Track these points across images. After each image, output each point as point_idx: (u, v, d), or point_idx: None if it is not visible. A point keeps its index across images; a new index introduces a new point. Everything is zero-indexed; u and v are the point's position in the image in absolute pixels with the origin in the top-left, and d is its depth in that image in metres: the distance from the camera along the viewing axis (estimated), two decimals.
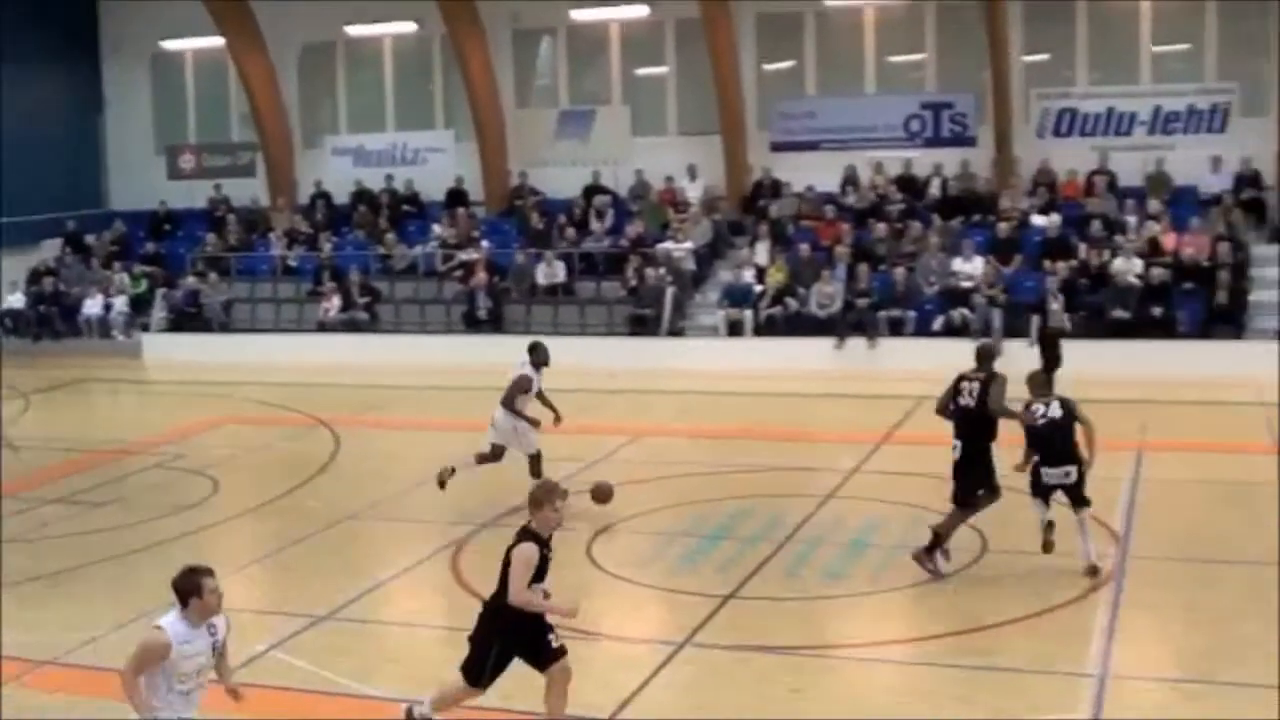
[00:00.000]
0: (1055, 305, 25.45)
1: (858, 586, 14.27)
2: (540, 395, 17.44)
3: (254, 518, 17.75)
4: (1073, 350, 24.44)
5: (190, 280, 33.77)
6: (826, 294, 28.25)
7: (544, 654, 10.02)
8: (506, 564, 9.86)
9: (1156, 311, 26.31)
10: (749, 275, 29.52)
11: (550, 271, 31.06)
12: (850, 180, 31.81)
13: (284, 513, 17.79)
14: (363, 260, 33.22)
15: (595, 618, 12.94)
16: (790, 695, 11.25)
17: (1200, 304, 26.65)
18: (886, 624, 13.47)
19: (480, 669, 9.99)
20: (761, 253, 30.08)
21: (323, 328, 31.73)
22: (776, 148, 32.70)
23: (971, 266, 28.04)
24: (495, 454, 17.56)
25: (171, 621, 8.41)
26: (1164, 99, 30.38)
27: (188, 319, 33.05)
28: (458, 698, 10.24)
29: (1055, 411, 14.13)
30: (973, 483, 14.40)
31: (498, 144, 34.73)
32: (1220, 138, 29.92)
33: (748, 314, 28.77)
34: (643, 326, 29.21)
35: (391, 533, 17.10)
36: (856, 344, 27.71)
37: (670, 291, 29.34)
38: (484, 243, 32.37)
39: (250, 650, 12.03)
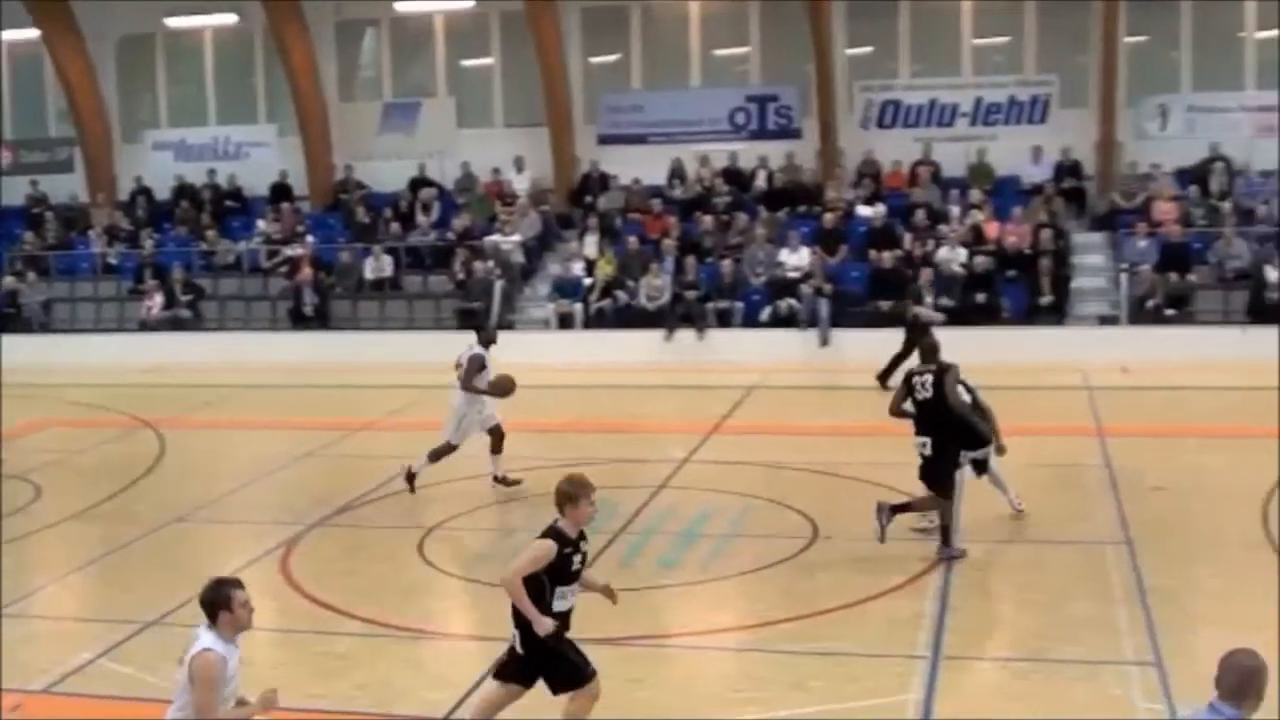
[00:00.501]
0: (929, 298, 25.63)
1: (691, 575, 14.21)
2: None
3: (79, 523, 17.17)
4: (900, 338, 24.81)
5: (8, 280, 32.77)
6: (655, 286, 28.26)
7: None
8: None
9: (981, 299, 26.71)
10: (578, 268, 29.45)
11: (377, 266, 30.68)
12: (677, 173, 31.87)
13: (110, 517, 17.25)
14: (185, 257, 32.54)
15: (430, 616, 12.74)
16: (627, 685, 11.12)
17: (1023, 291, 27.11)
18: (721, 612, 13.42)
19: (575, 667, 9.38)
20: (590, 245, 30.01)
21: (145, 326, 31.04)
22: (604, 140, 32.66)
23: (798, 257, 28.25)
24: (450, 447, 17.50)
25: (212, 641, 7.82)
26: (985, 91, 30.92)
27: (6, 319, 32.05)
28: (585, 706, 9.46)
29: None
30: (947, 470, 14.39)
31: (322, 137, 34.23)
32: (1041, 128, 30.52)
33: (577, 307, 28.70)
34: (471, 320, 28.90)
35: (220, 534, 16.68)
36: (685, 336, 27.76)
37: (499, 285, 29.14)
38: (309, 238, 31.89)
39: (77, 659, 11.65)
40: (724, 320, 27.89)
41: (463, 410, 17.57)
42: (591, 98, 32.98)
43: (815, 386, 24.50)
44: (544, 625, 9.13)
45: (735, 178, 31.46)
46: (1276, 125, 29.81)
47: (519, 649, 9.37)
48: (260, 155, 34.72)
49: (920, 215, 28.71)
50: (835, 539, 15.11)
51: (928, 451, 14.39)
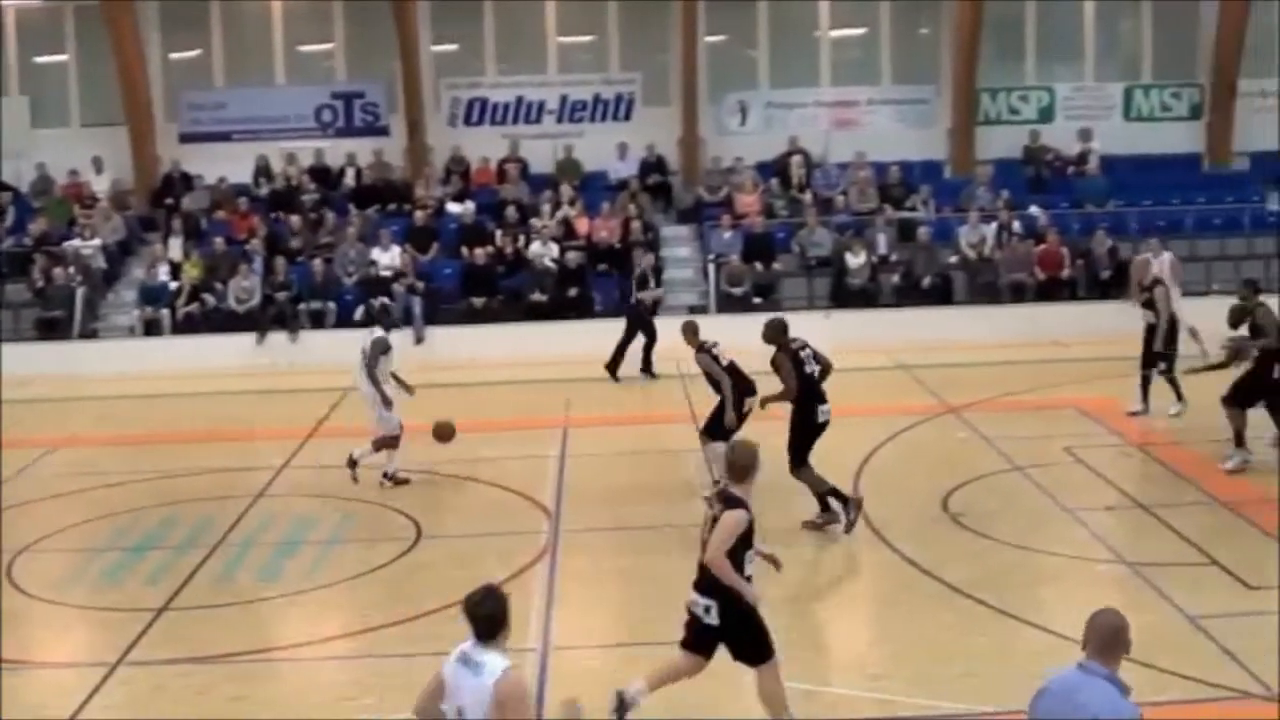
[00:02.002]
0: (653, 283, 25.67)
1: (294, 585, 13.88)
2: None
3: None
4: (496, 334, 25.05)
5: None
6: (244, 288, 27.54)
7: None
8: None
9: (573, 293, 27.02)
10: (163, 272, 28.40)
11: None
12: (263, 171, 31.13)
13: None
14: None
15: (20, 646, 12.09)
16: (231, 704, 10.80)
17: (615, 284, 27.55)
18: (326, 620, 13.15)
19: (766, 636, 9.66)
20: (175, 248, 29.01)
21: None
22: (186, 139, 31.64)
23: (389, 256, 27.97)
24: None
25: (505, 658, 7.10)
26: (571, 89, 31.32)
27: None
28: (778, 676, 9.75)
29: None
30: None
31: None
32: (626, 125, 31.12)
33: (164, 312, 27.68)
34: (52, 330, 27.63)
35: None
36: (277, 338, 27.16)
37: (80, 292, 27.85)
38: None
39: None
40: (317, 321, 27.40)
41: (374, 396, 17.23)
42: (172, 95, 31.88)
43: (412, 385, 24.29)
44: (751, 594, 9.48)
45: (323, 176, 30.94)
46: (851, 119, 31.25)
47: (712, 620, 9.58)
48: None
49: (511, 211, 28.85)
50: (439, 538, 15.03)
51: (827, 416, 14.83)
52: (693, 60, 30.24)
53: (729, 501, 9.50)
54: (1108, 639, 6.80)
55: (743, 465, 9.63)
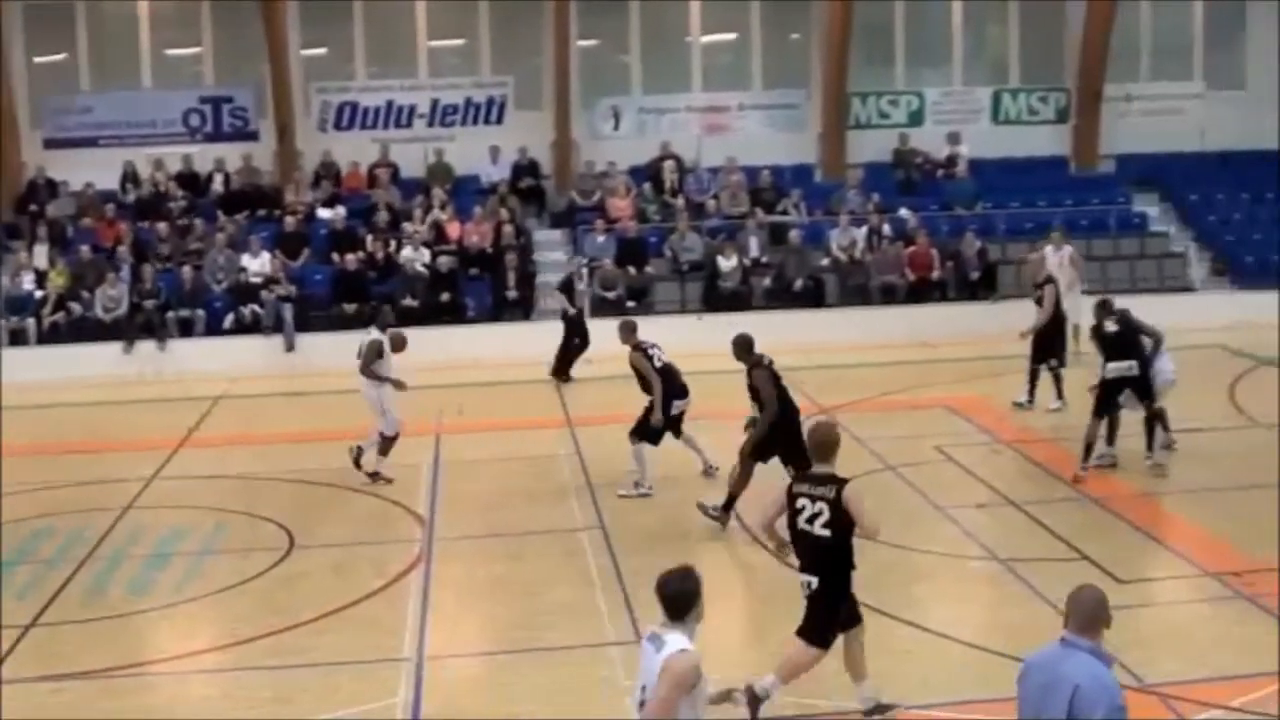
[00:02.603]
0: (580, 285, 25.56)
1: (166, 598, 13.66)
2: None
3: None
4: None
5: None
6: (111, 297, 27.06)
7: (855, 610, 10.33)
8: (840, 510, 9.91)
9: (446, 298, 26.88)
10: (28, 281, 27.80)
11: None
12: (130, 177, 30.57)
13: None
14: None
15: None
16: None
17: (487, 289, 27.45)
18: (198, 633, 12.96)
19: (830, 629, 10.15)
20: (40, 256, 28.39)
21: None
22: (51, 145, 30.99)
23: (259, 262, 27.63)
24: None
25: (688, 640, 7.18)
26: (442, 92, 31.12)
27: None
28: (806, 664, 10.18)
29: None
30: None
31: None
32: (498, 129, 30.98)
33: (30, 322, 27.10)
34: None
35: None
36: (146, 346, 26.69)
37: None
38: None
39: None
40: (186, 329, 26.96)
41: (376, 396, 17.51)
42: (37, 100, 31.20)
43: (283, 393, 24.05)
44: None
45: (191, 181, 30.46)
46: (722, 123, 31.42)
47: (814, 602, 10.15)
48: None
49: (382, 216, 28.63)
50: (312, 547, 14.87)
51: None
52: (565, 64, 30.22)
53: (840, 480, 10.06)
54: (1089, 613, 7.12)
55: (827, 444, 10.24)
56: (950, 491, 16.22)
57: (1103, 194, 31.25)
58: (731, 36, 32.33)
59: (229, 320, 26.99)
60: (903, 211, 29.37)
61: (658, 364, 16.60)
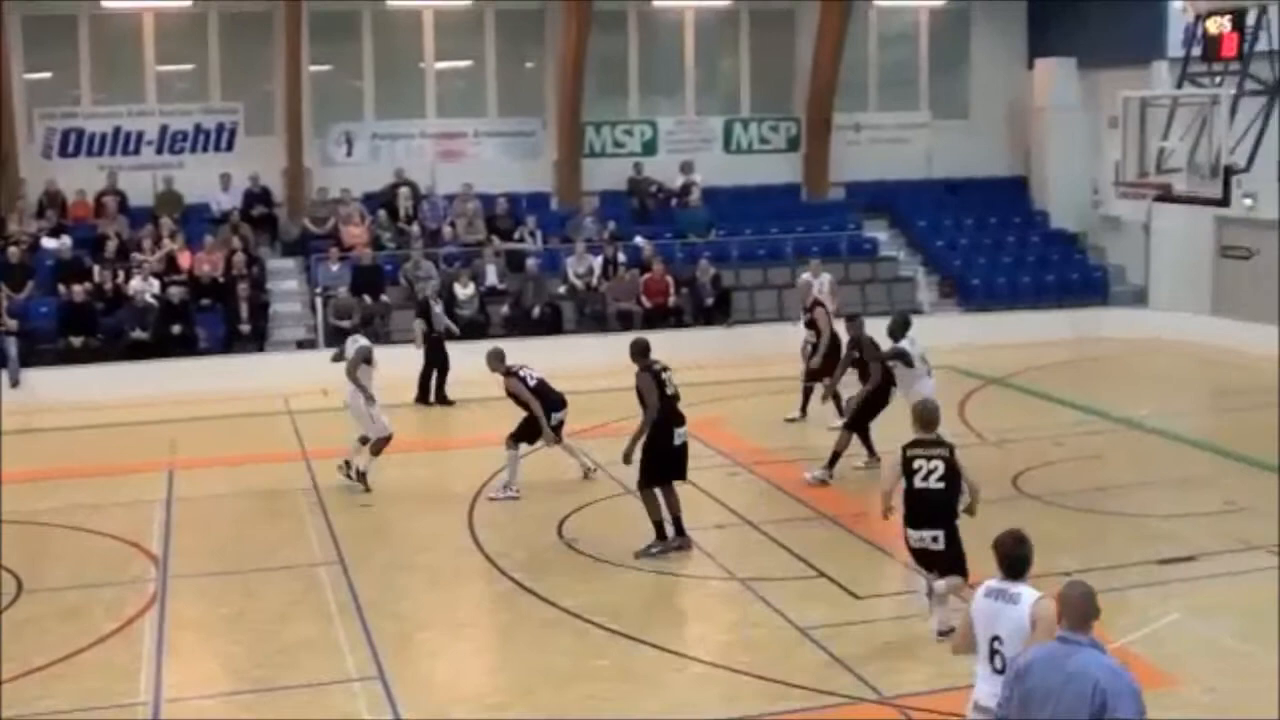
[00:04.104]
0: (437, 309, 24.89)
1: None
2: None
3: None
4: (96, 374, 24.24)
5: None
6: None
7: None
8: (952, 467, 12.04)
9: (177, 329, 26.24)
10: None
11: None
12: None
13: None
14: None
15: None
16: None
17: (220, 320, 26.89)
18: None
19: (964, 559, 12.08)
20: None
21: None
22: None
23: None
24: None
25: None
26: (171, 118, 30.32)
27: None
28: (960, 586, 12.01)
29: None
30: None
31: None
32: (229, 156, 30.32)
33: None
34: None
35: None
36: None
37: None
38: None
39: None
40: None
41: (359, 402, 17.82)
42: None
43: (8, 431, 23.16)
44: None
45: None
46: (457, 150, 31.36)
47: (939, 546, 12.08)
48: None
49: (110, 246, 27.83)
50: (41, 591, 14.33)
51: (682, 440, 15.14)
52: (297, 89, 29.74)
53: (943, 443, 12.23)
54: (1081, 609, 7.30)
55: (933, 416, 12.37)
56: (689, 513, 16.38)
57: (834, 220, 32.04)
58: (466, 63, 32.30)
59: None
60: (638, 239, 29.69)
61: (531, 383, 17.57)
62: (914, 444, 12.10)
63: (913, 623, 12.84)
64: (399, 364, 23.02)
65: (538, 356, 21.76)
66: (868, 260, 30.98)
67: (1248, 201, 25.83)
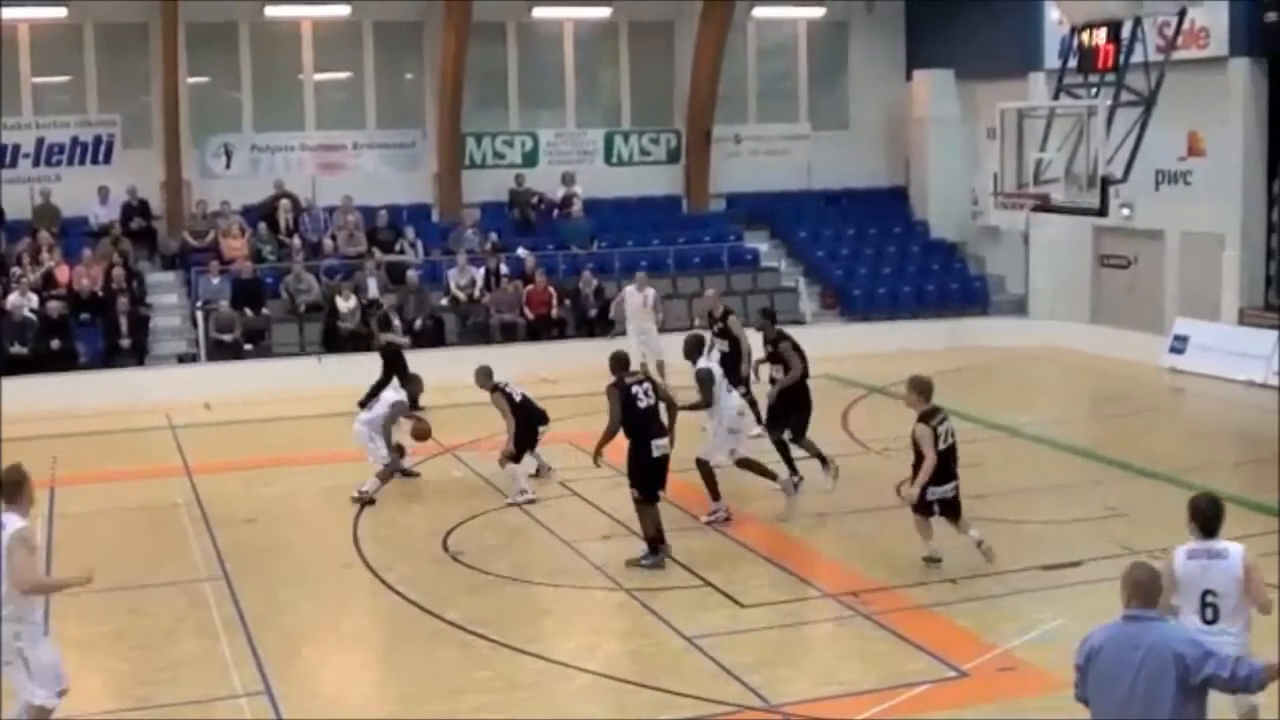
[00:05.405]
0: (397, 321, 25.16)
1: None
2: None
3: None
4: None
5: None
6: None
7: None
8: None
9: (56, 344, 25.92)
10: None
11: None
12: None
13: None
14: None
15: None
16: None
17: (100, 334, 26.60)
18: None
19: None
20: None
21: None
22: None
23: None
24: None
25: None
26: (47, 131, 29.89)
27: None
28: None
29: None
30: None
31: None
32: (107, 169, 29.96)
33: None
34: None
35: None
36: None
37: None
38: None
39: None
40: None
41: (364, 435, 18.18)
42: None
43: None
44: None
45: None
46: (337, 162, 31.23)
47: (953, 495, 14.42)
48: None
49: None
50: None
51: (661, 452, 15.20)
52: (174, 101, 29.45)
53: (942, 409, 14.47)
54: (1148, 588, 7.60)
55: (928, 388, 14.46)
56: (576, 525, 16.55)
57: (715, 231, 32.38)
58: (345, 75, 32.18)
59: None
60: (520, 251, 29.78)
61: (516, 399, 18.07)
62: (926, 416, 14.19)
63: (797, 630, 13.05)
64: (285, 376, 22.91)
65: (420, 370, 21.84)
66: (749, 271, 31.30)
67: (1125, 211, 26.38)
